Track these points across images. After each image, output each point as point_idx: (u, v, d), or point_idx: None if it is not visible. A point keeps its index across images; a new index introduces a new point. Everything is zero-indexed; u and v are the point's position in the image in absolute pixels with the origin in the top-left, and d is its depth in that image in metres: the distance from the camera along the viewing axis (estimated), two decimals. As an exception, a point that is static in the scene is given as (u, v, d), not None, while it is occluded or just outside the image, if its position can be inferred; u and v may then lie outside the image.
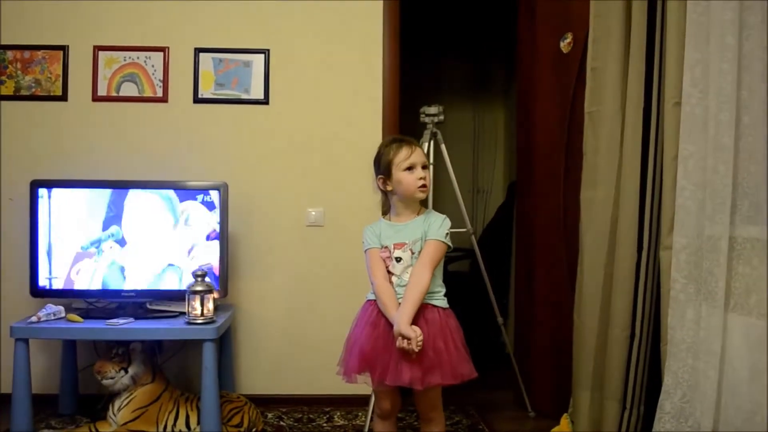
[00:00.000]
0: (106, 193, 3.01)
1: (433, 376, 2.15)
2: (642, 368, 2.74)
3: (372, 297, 2.32)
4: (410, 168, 2.28)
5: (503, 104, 5.59)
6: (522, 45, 3.53)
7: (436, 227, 2.29)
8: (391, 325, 2.18)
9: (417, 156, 2.29)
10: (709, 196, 2.41)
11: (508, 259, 4.58)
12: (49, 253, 2.99)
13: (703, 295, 2.42)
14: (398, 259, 2.29)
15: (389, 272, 2.29)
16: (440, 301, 2.29)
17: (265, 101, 3.34)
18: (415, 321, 2.16)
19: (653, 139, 2.74)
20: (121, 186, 3.03)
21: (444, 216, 2.37)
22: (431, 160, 3.18)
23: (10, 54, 3.29)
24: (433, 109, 3.23)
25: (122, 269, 3.00)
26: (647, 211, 2.74)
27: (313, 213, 3.35)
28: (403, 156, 2.28)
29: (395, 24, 3.42)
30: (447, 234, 2.30)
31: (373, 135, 3.30)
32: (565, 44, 3.18)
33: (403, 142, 2.32)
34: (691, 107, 2.46)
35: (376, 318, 2.26)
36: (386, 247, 2.30)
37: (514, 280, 3.88)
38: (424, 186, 2.29)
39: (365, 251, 2.39)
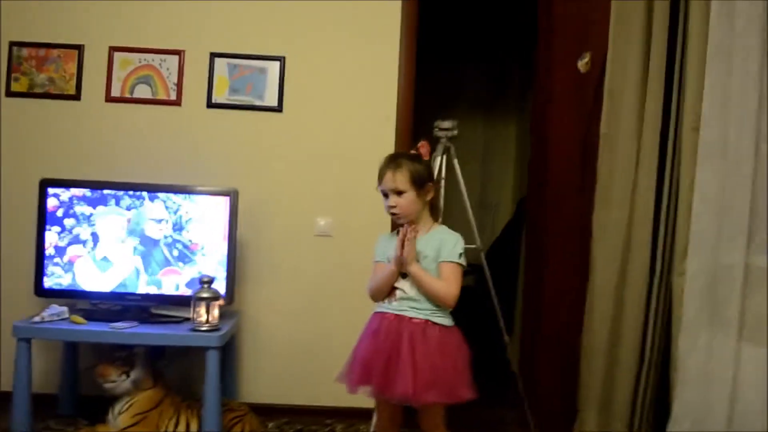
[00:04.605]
0: (116, 195, 2.99)
1: (429, 393, 2.13)
2: (650, 393, 2.72)
3: (378, 309, 2.30)
4: (385, 195, 2.30)
5: (516, 119, 5.56)
6: (540, 62, 3.52)
7: (450, 247, 2.27)
8: (390, 335, 2.19)
9: (387, 182, 2.28)
10: (725, 223, 2.39)
11: (515, 276, 4.55)
12: (55, 254, 2.96)
13: (716, 323, 2.40)
14: (404, 275, 2.26)
15: (394, 288, 2.28)
16: (442, 318, 2.26)
17: (279, 109, 3.32)
18: (414, 336, 2.17)
19: (669, 164, 2.72)
20: (130, 188, 3.01)
21: (457, 236, 2.35)
22: (442, 175, 3.15)
23: (25, 51, 3.27)
24: (447, 123, 3.20)
25: (129, 272, 2.98)
26: (661, 236, 2.72)
27: (322, 222, 3.32)
28: (378, 183, 2.32)
29: (412, 33, 3.40)
30: (461, 254, 2.28)
31: (386, 145, 3.27)
32: (583, 64, 3.16)
33: (385, 164, 2.31)
34: (710, 133, 2.45)
35: (377, 327, 2.25)
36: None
37: (521, 297, 3.85)
38: (393, 214, 2.30)
39: (373, 262, 2.39)
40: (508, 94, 5.58)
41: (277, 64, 3.32)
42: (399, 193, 2.26)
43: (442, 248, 2.27)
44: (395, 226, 2.45)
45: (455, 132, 3.22)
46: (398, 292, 2.26)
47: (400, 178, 2.26)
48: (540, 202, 3.46)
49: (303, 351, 3.33)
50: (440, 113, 3.29)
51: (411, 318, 2.22)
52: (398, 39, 3.35)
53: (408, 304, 2.24)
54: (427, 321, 2.22)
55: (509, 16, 4.77)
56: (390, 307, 2.27)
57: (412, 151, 2.36)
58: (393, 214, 2.30)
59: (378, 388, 2.18)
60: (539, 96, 3.56)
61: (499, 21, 4.98)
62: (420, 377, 2.12)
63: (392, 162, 2.30)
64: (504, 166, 5.65)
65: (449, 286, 2.22)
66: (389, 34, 3.35)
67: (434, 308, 2.23)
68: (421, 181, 2.28)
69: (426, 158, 2.37)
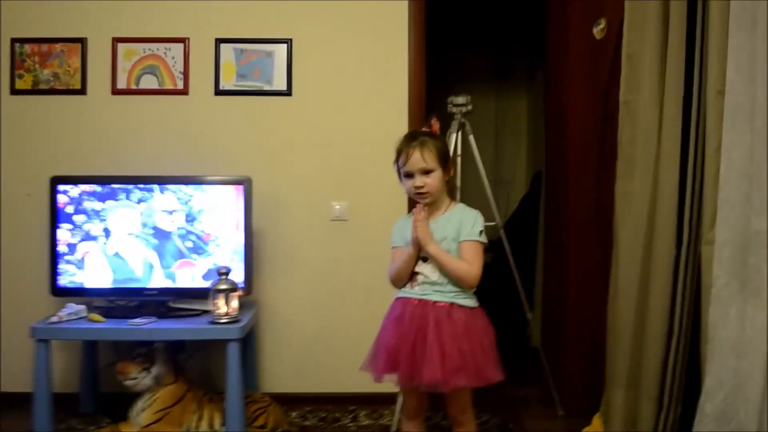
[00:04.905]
0: (126, 189, 2.94)
1: (458, 378, 2.08)
2: (680, 367, 2.64)
3: (400, 294, 2.24)
4: (409, 175, 2.21)
5: (526, 93, 5.45)
6: (553, 31, 3.42)
7: (470, 226, 2.21)
8: (415, 321, 2.13)
9: (413, 163, 2.18)
10: (754, 188, 2.30)
11: (533, 251, 4.48)
12: (68, 251, 2.93)
13: (748, 293, 2.32)
14: (425, 259, 2.20)
15: (415, 273, 2.21)
16: (466, 300, 2.21)
17: (288, 93, 3.25)
18: (440, 320, 2.12)
19: (694, 130, 2.62)
20: (141, 182, 2.96)
21: (476, 212, 2.29)
22: (458, 152, 3.08)
23: (27, 47, 3.22)
24: (460, 99, 3.12)
25: (143, 266, 2.94)
26: (687, 205, 2.63)
27: (338, 207, 3.26)
28: (401, 162, 2.22)
29: (421, 10, 3.31)
30: (482, 231, 2.21)
31: (399, 125, 3.21)
32: (599, 30, 3.07)
33: (408, 143, 2.22)
34: (736, 96, 2.35)
35: (401, 313, 2.19)
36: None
37: (542, 273, 3.78)
38: (420, 194, 2.21)
39: (392, 247, 2.33)
40: (517, 68, 5.47)
41: (284, 46, 3.24)
42: (427, 172, 2.18)
43: (462, 227, 2.20)
44: (414, 204, 2.38)
45: (470, 107, 3.14)
46: (420, 277, 2.20)
47: (429, 157, 2.18)
48: (559, 175, 3.38)
49: (323, 338, 3.30)
50: (448, 91, 3.20)
51: (435, 302, 2.16)
52: (407, 17, 3.27)
53: (431, 288, 2.18)
54: (452, 304, 2.16)
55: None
56: (413, 292, 2.21)
57: (425, 129, 2.29)
58: (420, 194, 2.20)
59: (405, 376, 2.12)
60: (553, 66, 3.46)
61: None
62: (448, 362, 2.07)
63: (415, 140, 2.21)
64: (516, 142, 5.54)
65: (471, 265, 2.16)
66: (398, 12, 3.27)
67: (458, 290, 2.17)
68: (446, 158, 2.23)
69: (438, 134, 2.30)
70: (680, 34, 2.66)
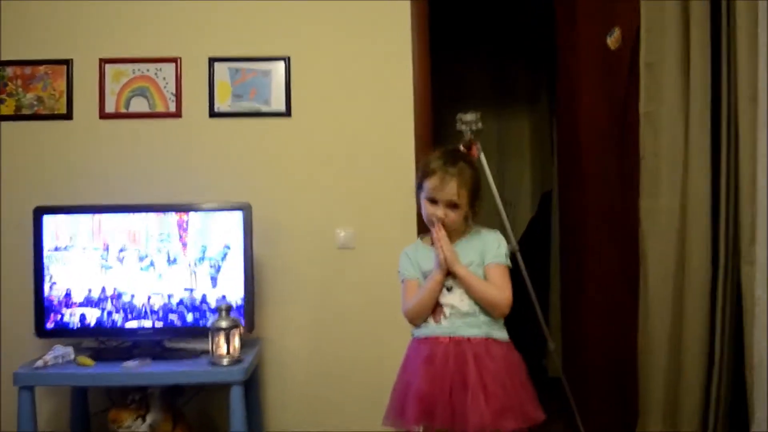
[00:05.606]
0: (117, 218, 2.74)
1: (506, 420, 1.86)
2: (724, 395, 2.45)
3: (419, 334, 2.04)
4: (433, 201, 2.02)
5: (528, 114, 5.33)
6: (562, 44, 3.29)
7: (494, 248, 2.04)
8: (450, 362, 1.91)
9: (445, 193, 1.99)
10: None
11: (545, 275, 4.30)
12: (56, 288, 2.71)
13: (798, 314, 2.15)
14: (449, 289, 2.01)
15: (438, 305, 2.01)
16: (501, 332, 2.02)
17: (287, 113, 3.07)
18: (479, 358, 1.91)
19: (725, 139, 2.47)
20: (132, 210, 2.76)
21: (497, 234, 2.12)
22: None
23: (9, 70, 3.03)
24: (470, 116, 2.94)
25: (136, 303, 2.72)
26: (722, 221, 2.47)
27: (343, 234, 3.06)
28: (431, 184, 2.02)
29: (424, 26, 3.15)
30: (507, 254, 2.03)
31: (405, 146, 3.04)
32: (612, 40, 2.92)
33: (445, 167, 2.01)
34: (771, 102, 2.20)
35: (430, 354, 1.97)
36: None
37: (560, 298, 3.60)
38: (436, 223, 2.02)
39: (401, 281, 2.13)
40: (518, 88, 5.34)
41: (281, 64, 3.07)
42: (454, 205, 2.00)
43: (486, 250, 2.04)
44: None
45: (479, 125, 2.96)
46: (447, 310, 2.00)
47: (464, 192, 2.00)
48: (574, 194, 3.22)
49: (329, 374, 3.06)
50: (450, 112, 3.04)
51: (470, 338, 1.96)
52: (409, 33, 3.10)
53: (461, 321, 1.98)
54: (487, 339, 1.97)
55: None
56: (440, 329, 2.00)
57: (461, 147, 2.11)
58: (435, 223, 2.02)
59: (445, 424, 1.89)
60: (564, 81, 3.32)
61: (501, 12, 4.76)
62: (493, 403, 1.86)
63: (454, 165, 2.01)
64: (520, 163, 5.40)
65: (502, 290, 1.98)
66: (400, 27, 3.10)
67: (491, 320, 1.99)
68: (477, 194, 2.05)
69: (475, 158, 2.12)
70: (704, 37, 2.53)
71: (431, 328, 2.02)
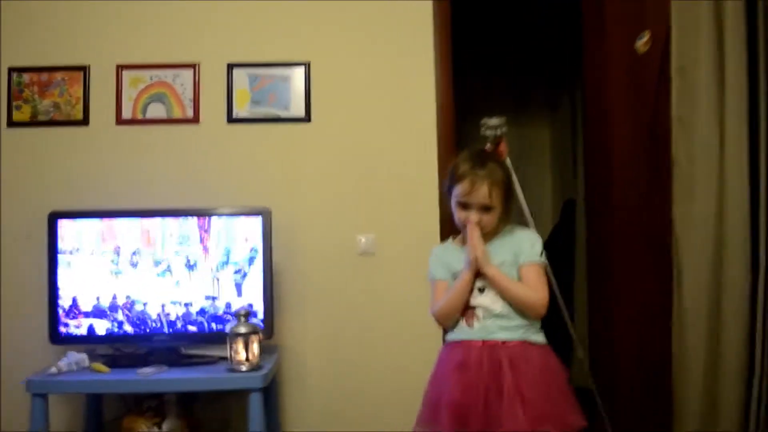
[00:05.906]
0: (134, 223, 2.68)
1: (544, 427, 1.77)
2: (765, 411, 2.34)
3: (455, 337, 1.95)
4: (465, 205, 1.94)
5: (549, 122, 5.27)
6: (589, 49, 3.21)
7: (529, 247, 1.96)
8: (484, 367, 1.82)
9: (477, 197, 1.91)
10: None
11: (570, 283, 4.22)
12: (70, 294, 2.65)
13: None
14: (482, 290, 1.92)
15: (470, 307, 1.93)
16: (538, 335, 1.93)
17: (307, 119, 3.01)
18: (515, 362, 1.82)
19: (764, 142, 2.38)
20: (149, 215, 2.71)
21: (532, 232, 2.06)
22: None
23: (26, 77, 2.99)
24: (494, 121, 2.84)
25: (152, 309, 2.65)
26: (762, 225, 2.37)
27: (364, 240, 2.99)
28: (462, 189, 1.93)
29: (447, 30, 3.10)
30: (542, 252, 1.95)
31: (428, 151, 2.99)
32: (642, 43, 2.84)
33: (474, 170, 1.93)
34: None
35: (463, 360, 1.88)
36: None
37: (587, 307, 3.50)
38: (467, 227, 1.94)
39: (431, 281, 2.05)
40: (537, 97, 5.28)
41: (301, 70, 3.02)
42: (488, 208, 1.92)
43: (521, 249, 1.95)
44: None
45: (505, 129, 2.87)
46: (479, 311, 1.92)
47: (497, 194, 1.92)
48: (601, 202, 3.13)
49: (350, 383, 2.99)
50: (471, 120, 2.97)
51: (504, 341, 1.87)
52: (431, 38, 3.06)
53: (495, 324, 1.89)
54: (523, 342, 1.88)
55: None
56: (473, 333, 1.92)
57: (488, 148, 2.04)
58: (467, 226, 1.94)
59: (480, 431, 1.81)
60: (592, 87, 3.24)
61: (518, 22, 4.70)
62: (531, 410, 1.77)
63: (483, 167, 1.93)
64: (540, 171, 5.35)
65: (537, 290, 1.89)
66: (423, 30, 3.05)
67: (526, 323, 1.90)
68: (510, 194, 1.99)
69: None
70: (739, 38, 2.45)
71: (464, 332, 1.94)
